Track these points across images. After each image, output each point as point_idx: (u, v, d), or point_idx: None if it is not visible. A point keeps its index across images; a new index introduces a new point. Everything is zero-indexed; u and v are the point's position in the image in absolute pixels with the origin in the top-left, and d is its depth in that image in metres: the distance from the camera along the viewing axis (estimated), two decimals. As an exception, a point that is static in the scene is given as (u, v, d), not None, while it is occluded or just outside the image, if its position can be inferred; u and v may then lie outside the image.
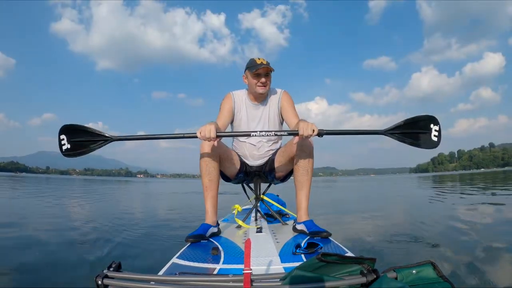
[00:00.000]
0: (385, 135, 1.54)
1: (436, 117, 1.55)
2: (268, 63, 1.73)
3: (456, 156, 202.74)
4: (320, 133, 1.46)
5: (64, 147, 1.58)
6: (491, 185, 11.44)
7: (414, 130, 1.55)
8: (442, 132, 1.56)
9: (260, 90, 1.77)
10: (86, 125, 1.61)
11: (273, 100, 1.88)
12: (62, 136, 1.58)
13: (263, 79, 1.75)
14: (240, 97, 1.89)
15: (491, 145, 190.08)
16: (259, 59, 1.75)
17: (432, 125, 1.54)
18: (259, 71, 1.73)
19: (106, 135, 1.58)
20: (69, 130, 1.60)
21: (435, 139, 1.53)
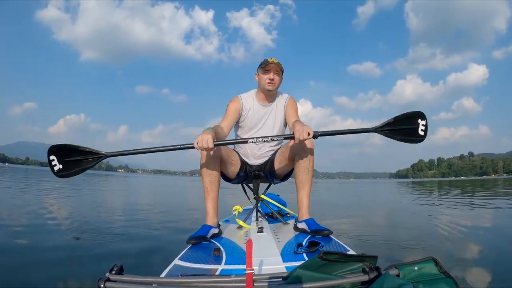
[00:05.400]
0: (376, 132, 1.59)
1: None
2: (278, 63, 1.81)
3: (436, 163, 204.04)
4: (315, 136, 1.48)
5: (55, 168, 1.50)
6: (475, 191, 11.47)
7: (403, 126, 1.60)
8: (429, 126, 1.61)
9: (268, 86, 1.83)
10: (75, 145, 1.53)
11: (280, 103, 1.94)
12: (52, 157, 1.50)
13: (271, 75, 1.81)
14: (248, 99, 1.93)
15: (471, 154, 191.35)
16: (271, 58, 1.83)
17: (419, 120, 1.60)
18: (269, 67, 1.81)
19: (100, 152, 1.52)
20: (58, 150, 1.52)
21: (421, 133, 1.59)
